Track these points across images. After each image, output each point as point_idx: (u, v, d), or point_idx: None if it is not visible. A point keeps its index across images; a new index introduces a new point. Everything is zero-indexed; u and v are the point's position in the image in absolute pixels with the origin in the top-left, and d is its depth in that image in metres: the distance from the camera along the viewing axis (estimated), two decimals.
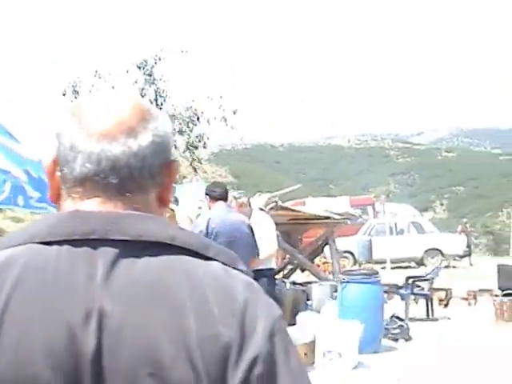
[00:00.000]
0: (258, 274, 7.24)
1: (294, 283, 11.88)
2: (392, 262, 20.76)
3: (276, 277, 12.83)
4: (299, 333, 8.40)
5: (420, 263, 21.53)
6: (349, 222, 13.41)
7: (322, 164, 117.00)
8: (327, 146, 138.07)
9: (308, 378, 1.09)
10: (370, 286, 8.83)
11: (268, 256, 7.39)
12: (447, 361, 8.24)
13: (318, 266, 15.83)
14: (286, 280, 12.17)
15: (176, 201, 7.79)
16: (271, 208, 11.02)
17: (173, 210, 10.05)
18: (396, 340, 9.45)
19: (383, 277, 16.08)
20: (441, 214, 79.07)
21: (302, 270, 13.88)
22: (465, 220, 27.96)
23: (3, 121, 6.48)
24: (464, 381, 7.22)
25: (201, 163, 24.11)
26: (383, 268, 20.26)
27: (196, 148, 23.25)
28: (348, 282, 8.94)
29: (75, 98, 21.69)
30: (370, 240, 21.57)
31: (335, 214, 12.37)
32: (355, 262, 21.58)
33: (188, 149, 23.13)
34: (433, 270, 12.85)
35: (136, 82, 22.61)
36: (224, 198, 6.92)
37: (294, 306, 10.31)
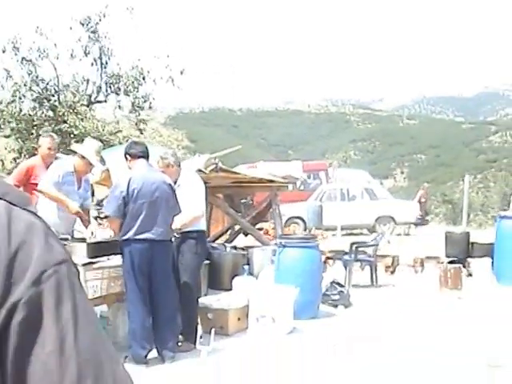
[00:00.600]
0: (185, 236, 7.12)
1: (234, 247, 11.76)
2: (343, 228, 20.78)
3: (217, 241, 12.83)
4: (233, 297, 8.31)
5: (372, 230, 21.52)
6: (291, 186, 13.29)
7: (282, 129, 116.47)
8: (286, 111, 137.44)
9: (91, 327, 0.92)
10: (306, 251, 8.71)
11: (194, 218, 7.19)
12: (385, 327, 8.22)
13: (267, 231, 15.75)
14: (226, 244, 12.04)
15: (102, 160, 7.59)
16: (211, 170, 10.81)
17: (108, 170, 9.87)
18: (335, 306, 9.40)
19: (332, 243, 16.21)
20: (401, 182, 79.52)
21: (246, 235, 13.78)
22: (426, 185, 27.17)
23: None
24: (400, 346, 7.17)
25: (146, 124, 23.71)
26: (334, 235, 20.30)
27: (142, 109, 22.89)
28: (284, 246, 8.81)
29: (15, 55, 21.19)
30: (321, 206, 21.49)
31: (278, 177, 12.25)
32: (306, 228, 21.54)
33: (134, 109, 22.76)
34: (377, 236, 12.83)
35: (79, 40, 22.11)
36: (145, 156, 6.71)
37: (233, 270, 10.20)
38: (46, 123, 21.16)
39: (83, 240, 6.88)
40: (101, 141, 19.97)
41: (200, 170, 10.48)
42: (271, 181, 12.24)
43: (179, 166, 7.32)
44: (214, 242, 12.54)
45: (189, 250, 7.15)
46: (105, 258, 6.56)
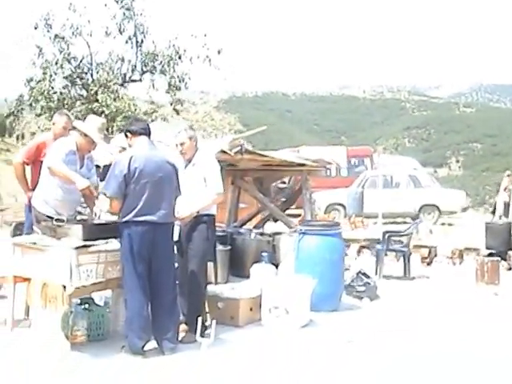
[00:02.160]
0: (194, 220, 6.79)
1: (261, 233, 11.42)
2: (386, 216, 20.25)
3: (245, 226, 12.51)
4: (246, 286, 7.99)
5: (416, 219, 20.98)
6: (334, 171, 12.89)
7: (335, 115, 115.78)
8: (341, 96, 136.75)
9: None
10: (326, 239, 8.30)
11: (214, 200, 6.91)
12: (409, 321, 7.82)
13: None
14: (253, 230, 11.71)
15: (106, 138, 7.35)
16: (236, 152, 10.46)
17: (124, 149, 9.62)
18: (360, 298, 9.01)
19: (373, 231, 15.76)
20: (456, 171, 78.27)
21: (275, 220, 13.44)
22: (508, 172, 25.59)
23: None
24: (423, 345, 6.76)
25: (182, 105, 23.46)
26: (375, 223, 19.80)
27: (178, 89, 22.66)
28: (304, 233, 8.44)
29: (47, 31, 21.13)
30: (362, 192, 21.07)
31: (309, 161, 11.84)
32: (346, 215, 21.14)
33: (170, 89, 22.56)
34: (411, 224, 12.33)
35: (114, 17, 21.98)
36: (147, 133, 6.42)
37: (258, 257, 9.86)
38: (78, 102, 21.13)
39: (82, 222, 6.62)
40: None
41: (224, 152, 10.17)
42: (302, 164, 11.84)
43: (196, 143, 7.03)
44: (241, 227, 12.24)
45: (198, 235, 6.85)
46: (103, 241, 6.25)
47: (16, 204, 19.16)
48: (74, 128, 7.02)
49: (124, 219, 6.10)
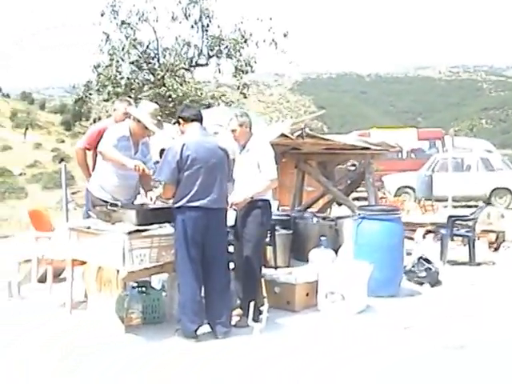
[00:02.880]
0: (249, 205, 6.78)
1: (324, 218, 11.36)
2: (456, 200, 19.85)
3: (309, 210, 12.46)
4: (303, 271, 7.97)
5: (487, 202, 20.49)
6: (388, 154, 12.68)
7: (411, 96, 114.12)
8: (417, 77, 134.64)
9: None
10: (385, 224, 8.18)
11: (269, 185, 6.88)
12: (470, 308, 7.64)
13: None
14: (317, 214, 11.65)
15: (160, 124, 7.33)
16: (298, 136, 10.40)
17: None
18: (421, 284, 8.86)
19: (442, 216, 15.46)
20: None
21: (339, 204, 13.34)
22: None
23: None
24: (484, 332, 6.59)
25: (248, 89, 23.47)
26: (445, 206, 19.43)
27: (245, 73, 22.66)
28: (363, 218, 8.34)
29: (114, 18, 21.40)
30: (431, 176, 20.64)
31: (372, 144, 11.68)
32: (415, 198, 20.80)
33: (237, 73, 22.58)
34: (477, 209, 12.02)
35: (180, 2, 22.10)
36: (198, 119, 6.44)
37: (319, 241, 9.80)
38: (145, 86, 21.35)
39: (137, 207, 6.70)
40: (201, 105, 20.12)
41: (285, 136, 10.14)
42: (366, 148, 11.70)
43: (251, 128, 7.00)
44: (305, 211, 12.20)
45: (253, 221, 6.82)
46: (156, 226, 6.30)
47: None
48: (127, 112, 7.10)
49: (177, 204, 6.15)
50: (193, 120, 6.39)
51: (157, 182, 6.71)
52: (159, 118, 7.07)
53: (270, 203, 7.09)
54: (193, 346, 5.98)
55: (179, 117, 6.50)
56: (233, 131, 6.94)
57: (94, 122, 31.10)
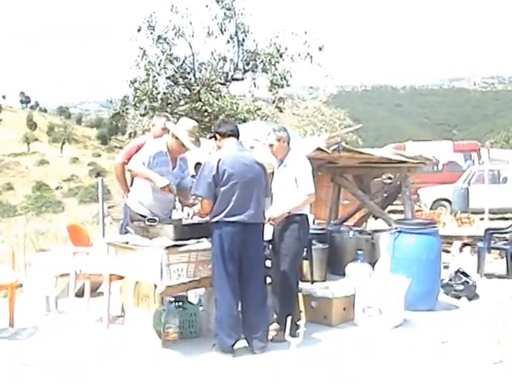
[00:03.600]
0: (287, 220, 6.78)
1: (360, 231, 11.30)
2: (492, 212, 19.64)
3: (345, 223, 12.42)
4: (340, 285, 7.94)
5: None
6: (424, 166, 12.59)
7: (446, 108, 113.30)
8: (451, 89, 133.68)
9: None
10: (423, 237, 8.14)
11: (306, 200, 6.86)
12: (508, 323, 7.53)
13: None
14: (353, 227, 11.60)
15: (198, 141, 7.36)
16: (334, 149, 10.38)
17: None
18: (458, 298, 8.78)
19: (479, 228, 15.30)
20: None
21: (376, 218, 13.27)
22: None
23: None
24: None
25: (283, 102, 23.51)
26: (482, 219, 19.23)
27: (280, 87, 22.69)
28: (400, 231, 8.30)
29: (151, 33, 21.58)
30: (467, 188, 20.50)
31: (408, 157, 11.61)
32: (452, 211, 20.62)
33: (272, 87, 22.62)
34: None
35: (215, 17, 22.23)
36: (235, 134, 6.48)
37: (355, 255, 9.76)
38: (181, 101, 21.47)
39: (175, 222, 6.73)
40: (237, 119, 20.18)
41: (321, 150, 10.12)
42: (402, 161, 11.63)
43: (288, 143, 7.01)
44: (341, 224, 12.16)
45: (290, 235, 6.82)
46: (194, 241, 6.33)
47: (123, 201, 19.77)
48: (165, 128, 7.15)
49: (214, 219, 6.19)
50: (229, 135, 6.42)
51: (193, 196, 6.74)
52: (197, 135, 7.08)
53: (307, 217, 7.08)
54: (230, 361, 6.00)
55: (216, 132, 6.54)
56: (270, 146, 6.96)
57: (130, 136, 31.33)
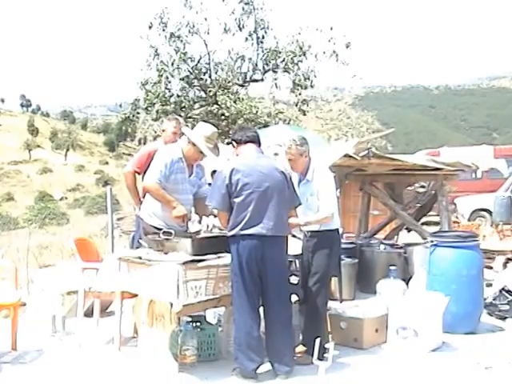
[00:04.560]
0: (315, 235, 6.75)
1: (392, 245, 11.28)
2: None
3: (376, 236, 12.40)
4: (372, 304, 7.92)
5: None
6: (462, 174, 12.52)
7: (485, 109, 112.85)
8: (491, 89, 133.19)
9: None
10: (462, 251, 8.07)
11: (321, 219, 6.80)
12: None
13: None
14: (384, 241, 11.58)
15: (216, 148, 7.36)
16: (363, 156, 10.37)
17: None
18: (503, 319, 8.70)
19: None
20: None
21: (409, 230, 13.23)
22: None
23: None
24: None
25: (307, 105, 23.47)
26: None
27: (304, 88, 22.66)
28: (437, 245, 8.24)
29: (163, 30, 21.60)
30: (510, 197, 20.33)
31: (445, 164, 11.56)
32: (493, 222, 20.48)
33: (295, 89, 22.60)
34: None
35: (233, 13, 22.20)
36: (254, 140, 6.46)
37: (387, 271, 9.74)
38: (196, 104, 21.48)
39: (193, 235, 6.73)
40: (256, 123, 20.18)
41: (349, 156, 10.12)
42: (437, 168, 11.59)
43: (308, 155, 6.95)
44: (371, 237, 12.15)
45: (321, 251, 6.80)
46: (213, 255, 6.34)
47: (135, 212, 19.80)
48: (183, 134, 7.16)
49: (231, 233, 6.19)
50: (247, 142, 6.41)
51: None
52: (216, 141, 7.08)
53: (339, 232, 7.05)
54: None
55: (232, 139, 6.55)
56: (290, 160, 6.89)
57: (140, 142, 31.44)
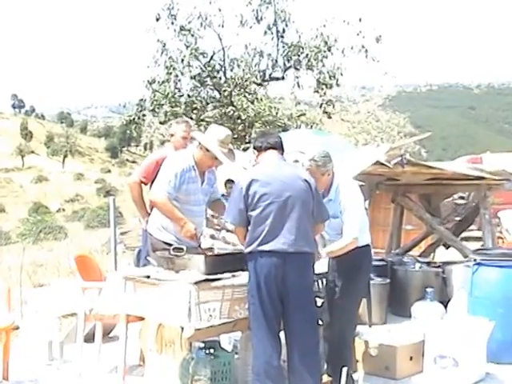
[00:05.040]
0: (346, 254, 6.70)
1: (428, 263, 11.26)
2: None
3: (409, 253, 12.38)
4: (406, 329, 7.90)
5: None
6: (506, 184, 12.46)
7: None
8: None
9: None
10: (509, 271, 8.04)
11: (344, 247, 6.74)
12: None
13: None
14: (419, 258, 11.56)
15: (232, 153, 7.37)
16: (396, 163, 10.35)
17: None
18: None
19: None
20: None
21: (447, 247, 13.18)
22: None
23: None
24: None
25: (333, 106, 23.43)
26: None
27: (329, 87, 22.64)
28: (480, 264, 8.21)
29: (172, 23, 21.62)
30: None
31: (488, 172, 11.51)
32: None
33: (319, 88, 22.59)
34: None
35: (250, 3, 22.18)
36: (276, 146, 6.40)
37: (423, 292, 9.71)
38: (209, 106, 21.45)
39: (206, 251, 6.73)
40: (275, 126, 20.16)
41: (381, 164, 10.11)
42: (480, 177, 11.54)
43: (331, 172, 6.90)
44: (403, 255, 12.12)
45: (347, 271, 6.76)
46: (229, 274, 6.34)
47: (140, 226, 19.80)
48: (191, 137, 7.17)
49: (248, 249, 6.12)
50: (268, 148, 6.38)
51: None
52: (230, 146, 7.08)
53: (369, 249, 7.00)
54: None
55: (253, 147, 6.53)
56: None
57: (146, 147, 31.52)
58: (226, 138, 6.93)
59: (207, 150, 6.84)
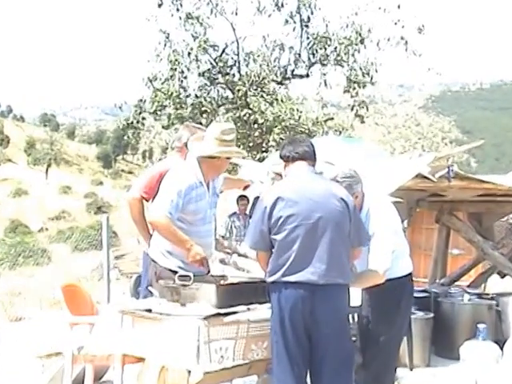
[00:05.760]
0: (383, 286, 6.66)
1: (480, 295, 11.24)
2: None
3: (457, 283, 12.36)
4: (454, 373, 7.90)
5: None
6: None
7: None
8: None
9: None
10: None
11: (373, 281, 6.70)
12: None
13: None
14: (469, 289, 11.54)
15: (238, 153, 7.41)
16: (441, 177, 10.34)
17: (280, 175, 9.80)
18: None
19: None
20: None
21: (502, 276, 13.16)
22: None
23: None
24: None
25: (367, 109, 23.39)
26: None
27: (362, 86, 22.63)
28: None
29: (177, 10, 21.65)
30: None
31: None
32: None
33: (349, 87, 22.59)
34: None
35: None
36: (305, 157, 6.34)
37: (473, 329, 9.69)
38: (221, 108, 21.44)
39: (217, 279, 6.74)
40: (297, 132, 20.15)
41: (423, 177, 10.10)
42: None
43: (361, 191, 6.87)
44: (450, 285, 12.11)
45: (383, 306, 6.74)
46: (244, 307, 6.34)
47: (138, 248, 19.74)
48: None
49: (271, 279, 6.07)
50: (297, 159, 6.33)
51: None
52: (229, 138, 6.96)
53: (410, 279, 6.94)
54: None
55: (280, 157, 6.48)
56: None
57: (144, 156, 31.56)
58: (222, 133, 6.86)
59: (212, 157, 6.84)
